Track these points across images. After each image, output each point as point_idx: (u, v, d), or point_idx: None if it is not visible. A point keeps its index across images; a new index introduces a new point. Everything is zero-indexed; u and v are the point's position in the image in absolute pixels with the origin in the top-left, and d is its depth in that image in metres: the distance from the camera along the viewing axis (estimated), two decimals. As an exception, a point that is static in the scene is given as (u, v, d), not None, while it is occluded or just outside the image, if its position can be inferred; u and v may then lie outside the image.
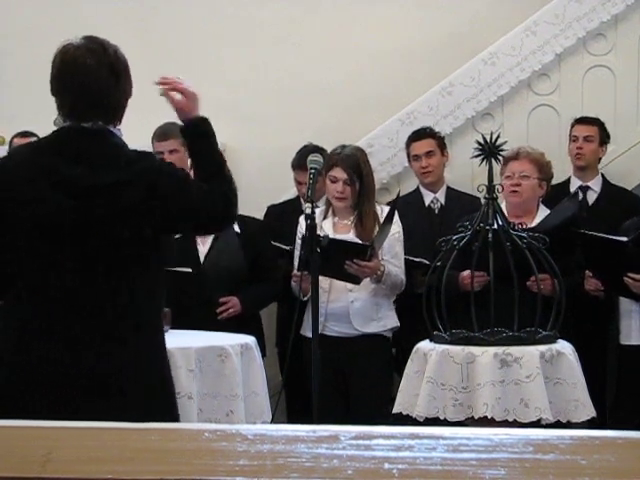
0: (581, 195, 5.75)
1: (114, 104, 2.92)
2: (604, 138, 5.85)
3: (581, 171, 5.82)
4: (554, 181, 5.36)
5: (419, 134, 5.81)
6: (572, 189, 5.78)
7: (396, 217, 5.01)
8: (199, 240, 5.10)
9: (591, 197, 5.79)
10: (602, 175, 5.89)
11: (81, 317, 2.82)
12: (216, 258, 5.03)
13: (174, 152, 5.76)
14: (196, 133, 3.07)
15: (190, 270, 4.86)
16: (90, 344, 2.81)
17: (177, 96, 3.08)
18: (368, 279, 4.92)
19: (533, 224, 4.87)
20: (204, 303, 4.90)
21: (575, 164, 5.81)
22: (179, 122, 6.12)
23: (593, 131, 5.81)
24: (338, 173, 4.98)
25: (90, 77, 2.89)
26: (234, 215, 3.10)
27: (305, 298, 4.71)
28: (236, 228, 5.10)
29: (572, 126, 5.87)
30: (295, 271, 4.92)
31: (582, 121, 5.86)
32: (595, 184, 5.83)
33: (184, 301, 4.78)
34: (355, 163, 4.99)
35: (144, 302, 2.89)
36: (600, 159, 5.90)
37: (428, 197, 5.80)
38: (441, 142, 5.82)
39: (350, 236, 4.99)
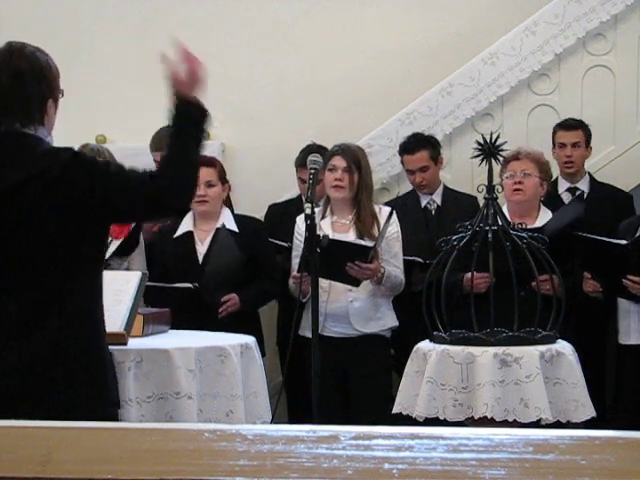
0: (570, 196, 5.74)
1: (21, 106, 2.92)
2: (588, 139, 5.78)
3: (571, 175, 5.80)
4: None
5: (411, 146, 5.71)
6: (560, 191, 5.77)
7: (394, 217, 5.01)
8: (197, 240, 5.10)
9: None
10: (589, 174, 5.87)
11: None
12: (215, 258, 5.03)
13: None
14: (182, 115, 2.99)
15: (191, 285, 4.84)
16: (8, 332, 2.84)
17: (180, 71, 3.03)
18: (367, 280, 4.92)
19: (535, 224, 4.87)
20: (207, 311, 4.89)
21: (565, 172, 5.78)
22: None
23: (579, 137, 5.75)
24: (337, 161, 5.00)
25: None
26: (167, 208, 2.97)
27: (305, 300, 4.71)
28: (234, 227, 5.10)
29: (555, 131, 5.81)
30: (294, 272, 4.92)
31: (567, 127, 5.79)
32: (583, 184, 5.81)
33: (186, 315, 4.77)
34: (354, 154, 5.02)
35: (58, 300, 2.88)
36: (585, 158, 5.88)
37: (424, 198, 5.79)
38: (434, 151, 5.72)
39: (350, 236, 5.00)
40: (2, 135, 2.92)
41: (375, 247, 4.80)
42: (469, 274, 4.72)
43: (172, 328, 4.28)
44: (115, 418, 3.08)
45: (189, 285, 4.84)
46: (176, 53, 3.02)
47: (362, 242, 4.92)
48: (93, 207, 2.87)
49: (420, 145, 5.71)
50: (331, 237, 4.78)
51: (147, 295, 4.81)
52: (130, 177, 2.91)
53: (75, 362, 2.87)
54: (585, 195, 5.76)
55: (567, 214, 5.02)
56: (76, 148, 5.17)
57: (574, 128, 5.77)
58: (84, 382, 2.89)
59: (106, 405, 2.98)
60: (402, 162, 5.82)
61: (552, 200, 5.36)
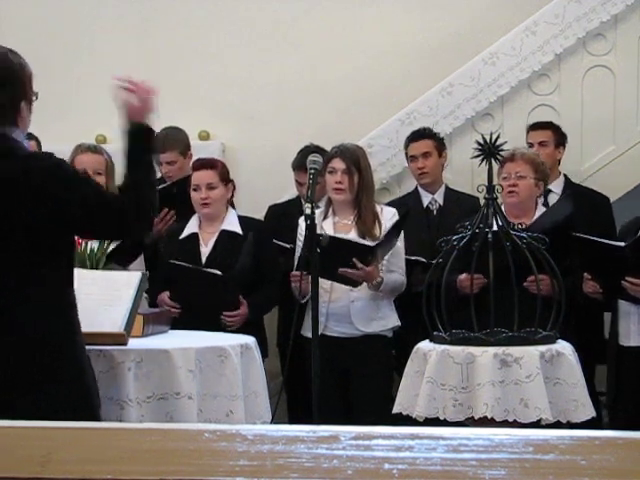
0: (543, 199, 5.74)
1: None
2: (560, 140, 5.82)
3: None
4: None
5: (417, 135, 5.79)
6: None
7: (396, 217, 5.04)
8: (202, 242, 5.10)
9: (552, 199, 5.77)
10: (565, 176, 5.88)
11: None
12: (219, 259, 5.02)
13: (172, 163, 5.77)
14: (136, 139, 3.09)
15: (219, 272, 4.84)
16: None
17: (132, 99, 3.10)
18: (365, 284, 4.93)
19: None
20: (228, 304, 4.90)
21: None
22: (175, 127, 6.09)
23: (547, 136, 5.79)
24: (336, 164, 5.00)
25: None
26: (134, 230, 3.09)
27: (304, 300, 4.71)
28: (238, 229, 5.10)
29: (527, 132, 5.87)
30: (294, 272, 4.93)
31: (535, 127, 5.85)
32: (556, 186, 5.82)
33: (209, 301, 4.77)
34: (353, 155, 5.02)
35: (30, 300, 2.91)
36: (559, 161, 5.88)
37: (426, 198, 5.79)
38: (439, 143, 5.80)
39: (352, 236, 5.00)
40: None
41: (376, 250, 4.79)
42: (462, 275, 4.74)
43: (176, 328, 4.29)
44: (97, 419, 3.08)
45: (218, 272, 4.85)
46: (124, 86, 3.11)
47: (363, 241, 4.92)
48: (64, 219, 2.92)
49: (426, 135, 5.80)
50: (331, 235, 4.79)
51: (175, 275, 4.83)
52: (106, 196, 3.00)
53: (46, 361, 2.88)
54: (557, 197, 5.76)
55: (557, 213, 5.01)
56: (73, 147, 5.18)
57: (542, 128, 5.82)
58: (58, 381, 2.90)
59: (86, 407, 2.98)
60: (406, 154, 5.82)
61: None
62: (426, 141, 5.76)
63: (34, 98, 3.04)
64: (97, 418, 3.04)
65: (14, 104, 2.96)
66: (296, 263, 4.95)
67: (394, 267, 5.05)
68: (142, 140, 3.08)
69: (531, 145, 5.79)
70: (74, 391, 2.94)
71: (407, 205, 5.64)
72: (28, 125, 3.04)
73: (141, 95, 3.09)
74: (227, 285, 4.82)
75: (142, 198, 3.03)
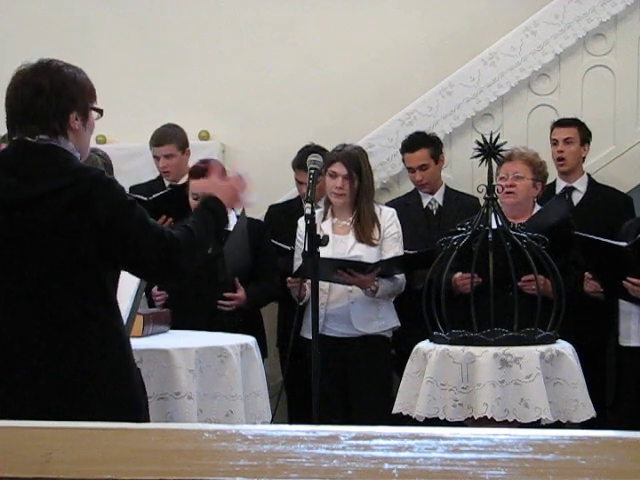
0: (566, 196, 5.74)
1: (40, 119, 2.92)
2: (585, 137, 5.80)
3: (565, 173, 5.81)
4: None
5: (411, 144, 5.72)
6: (558, 191, 5.76)
7: (395, 217, 5.05)
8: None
9: (576, 197, 5.76)
10: (588, 175, 5.87)
11: (21, 330, 2.83)
12: (233, 248, 5.02)
13: (170, 157, 5.77)
14: (210, 207, 3.12)
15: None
16: (29, 352, 2.81)
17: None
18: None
19: (529, 224, 4.87)
20: (221, 287, 4.91)
21: (558, 169, 5.79)
22: (174, 124, 6.07)
23: (572, 132, 5.77)
24: (338, 168, 5.00)
25: (13, 94, 2.98)
26: (173, 271, 2.97)
27: (302, 303, 4.72)
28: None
29: (551, 129, 5.84)
30: (290, 277, 4.95)
31: (561, 123, 5.82)
32: (580, 184, 5.80)
33: (202, 283, 4.78)
34: (355, 160, 5.02)
35: (85, 310, 2.85)
36: (584, 158, 5.88)
37: (426, 198, 5.78)
38: (435, 149, 5.72)
39: (350, 238, 5.01)
40: (28, 145, 2.91)
41: (374, 267, 4.82)
42: (457, 274, 4.75)
43: (175, 327, 4.29)
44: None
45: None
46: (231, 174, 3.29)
47: (363, 259, 4.91)
48: (104, 241, 2.85)
49: (420, 143, 5.72)
50: (332, 256, 4.80)
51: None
52: (151, 227, 2.92)
53: (104, 381, 2.85)
54: (581, 196, 5.76)
55: (552, 213, 5.00)
56: None
57: (567, 125, 5.79)
58: (114, 399, 2.87)
59: (138, 409, 2.97)
60: (403, 160, 5.82)
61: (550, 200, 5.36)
62: (422, 151, 5.68)
63: (96, 113, 3.03)
64: (144, 418, 3.06)
65: (61, 115, 2.94)
66: (297, 265, 4.96)
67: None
68: (216, 212, 3.11)
69: (555, 142, 5.77)
70: (130, 394, 2.94)
71: (407, 205, 5.64)
72: (84, 138, 3.01)
73: (238, 186, 3.20)
74: (216, 264, 4.83)
75: (194, 248, 2.99)
